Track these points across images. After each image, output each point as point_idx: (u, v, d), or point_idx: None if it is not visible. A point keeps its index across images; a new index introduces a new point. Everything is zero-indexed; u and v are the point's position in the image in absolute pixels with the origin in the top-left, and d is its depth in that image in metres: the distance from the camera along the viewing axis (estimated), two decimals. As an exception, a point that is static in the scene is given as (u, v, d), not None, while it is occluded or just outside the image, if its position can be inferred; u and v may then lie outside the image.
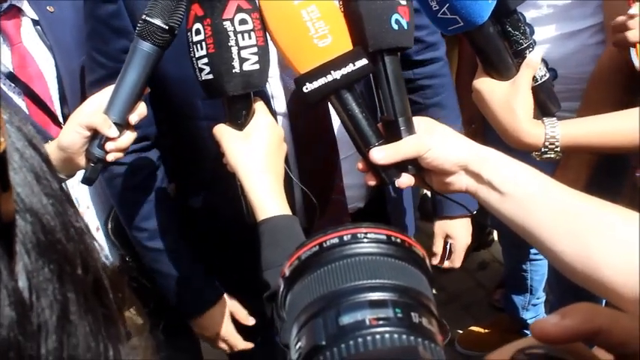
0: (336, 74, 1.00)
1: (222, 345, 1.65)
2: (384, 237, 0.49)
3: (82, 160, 1.16)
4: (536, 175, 0.96)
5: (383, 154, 1.03)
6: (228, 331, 1.61)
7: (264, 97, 1.27)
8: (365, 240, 0.49)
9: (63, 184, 1.37)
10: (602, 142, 1.19)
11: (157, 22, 1.08)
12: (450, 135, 1.04)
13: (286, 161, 1.16)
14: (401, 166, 1.06)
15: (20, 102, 1.45)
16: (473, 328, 2.81)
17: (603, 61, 1.66)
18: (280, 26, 1.01)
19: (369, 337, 0.41)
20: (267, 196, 1.05)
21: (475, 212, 1.48)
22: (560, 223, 0.88)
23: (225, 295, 1.61)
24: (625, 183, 1.85)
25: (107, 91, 1.16)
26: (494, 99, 1.20)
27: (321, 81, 1.01)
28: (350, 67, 1.01)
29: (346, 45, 1.02)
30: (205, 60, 1.04)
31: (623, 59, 1.56)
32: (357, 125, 1.05)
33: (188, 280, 1.57)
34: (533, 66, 1.18)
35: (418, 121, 1.07)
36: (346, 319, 0.43)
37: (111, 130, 1.13)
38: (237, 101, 1.09)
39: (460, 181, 1.02)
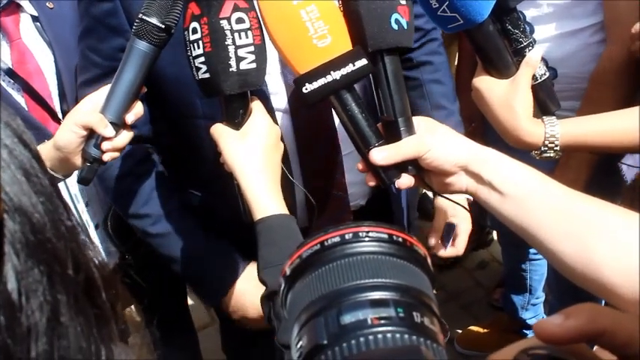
0: (336, 74, 1.00)
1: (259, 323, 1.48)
2: (385, 236, 0.49)
3: (78, 160, 1.16)
4: (537, 176, 0.95)
5: (383, 154, 1.03)
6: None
7: (265, 95, 1.27)
8: (366, 239, 0.49)
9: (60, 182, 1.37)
10: (602, 141, 1.19)
11: (154, 21, 1.08)
12: (450, 135, 1.04)
13: (286, 159, 1.15)
14: (401, 167, 1.05)
15: (19, 98, 1.45)
16: (472, 327, 2.81)
17: (604, 60, 1.66)
18: (279, 26, 1.01)
19: (370, 337, 0.41)
20: (264, 195, 1.05)
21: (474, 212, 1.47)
22: (560, 224, 0.88)
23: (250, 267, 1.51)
24: (624, 184, 1.85)
25: (103, 91, 1.16)
26: (493, 97, 1.20)
27: (321, 81, 1.00)
28: (350, 68, 1.00)
29: (346, 45, 1.02)
30: (202, 59, 1.03)
31: (625, 59, 1.56)
32: (356, 126, 1.05)
33: (202, 259, 1.50)
34: (532, 64, 1.18)
35: (418, 121, 1.07)
36: (348, 318, 0.43)
37: (107, 130, 1.12)
38: (234, 100, 1.09)
39: (460, 182, 1.02)
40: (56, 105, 1.52)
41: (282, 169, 1.13)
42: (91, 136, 1.14)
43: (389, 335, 0.41)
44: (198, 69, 1.04)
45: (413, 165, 1.05)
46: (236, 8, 1.01)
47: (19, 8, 1.46)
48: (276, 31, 1.01)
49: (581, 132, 1.19)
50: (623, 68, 1.59)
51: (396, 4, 1.02)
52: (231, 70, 1.03)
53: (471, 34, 1.15)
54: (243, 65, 1.03)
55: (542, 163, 1.09)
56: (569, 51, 1.72)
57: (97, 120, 1.12)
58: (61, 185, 1.46)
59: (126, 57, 1.12)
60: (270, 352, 1.03)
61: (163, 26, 1.08)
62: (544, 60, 1.23)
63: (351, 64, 1.00)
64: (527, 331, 2.68)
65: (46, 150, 1.16)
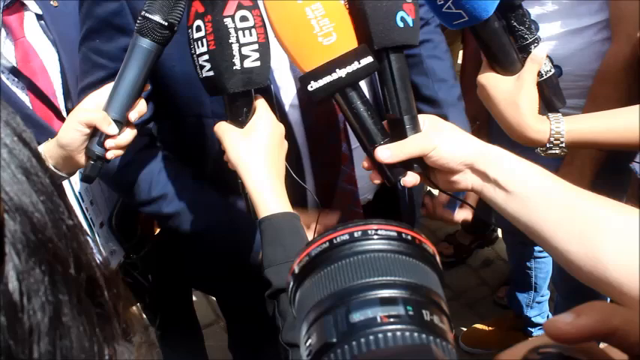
0: (341, 72, 1.00)
1: None
2: (394, 233, 0.48)
3: (81, 158, 1.16)
4: (543, 174, 0.95)
5: (388, 152, 1.03)
6: None
7: (274, 89, 1.26)
8: (375, 237, 0.48)
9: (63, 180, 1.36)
10: (607, 138, 1.19)
11: (156, 18, 1.07)
12: (455, 133, 1.03)
13: (297, 153, 1.14)
14: (406, 165, 1.05)
15: (24, 97, 1.45)
16: (477, 325, 2.81)
17: (609, 58, 1.65)
18: (284, 24, 1.01)
19: (380, 335, 0.41)
20: (269, 193, 1.05)
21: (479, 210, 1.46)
22: (566, 222, 0.88)
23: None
24: (631, 180, 1.85)
25: (106, 89, 1.15)
26: (498, 94, 1.19)
27: (326, 79, 1.00)
28: (355, 65, 1.00)
29: (351, 43, 1.02)
30: (206, 57, 1.03)
31: (630, 57, 1.56)
32: (362, 123, 1.05)
33: (229, 227, 1.42)
34: (538, 61, 1.18)
35: (423, 119, 1.07)
36: (357, 317, 0.43)
37: (110, 128, 1.12)
38: (238, 98, 1.09)
39: (466, 180, 1.02)
40: (60, 103, 1.52)
41: (287, 167, 1.13)
42: (95, 134, 1.14)
43: (398, 334, 0.41)
44: (201, 67, 1.04)
45: (418, 163, 1.05)
46: (240, 6, 1.01)
47: (23, 6, 1.46)
48: (281, 29, 1.01)
49: (587, 129, 1.19)
50: (628, 66, 1.59)
51: (402, 2, 1.02)
52: (235, 68, 1.03)
53: (476, 30, 1.15)
54: (247, 63, 1.03)
55: (547, 161, 1.09)
56: (574, 49, 1.72)
57: (100, 118, 1.12)
58: (65, 184, 1.46)
59: (129, 55, 1.12)
60: (276, 351, 1.03)
61: (166, 23, 1.08)
62: (549, 57, 1.23)
63: (356, 62, 1.00)
64: (532, 329, 2.68)
65: (49, 148, 1.16)
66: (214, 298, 2.43)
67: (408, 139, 1.04)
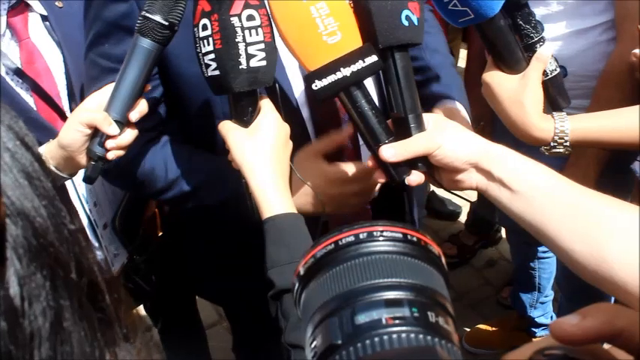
0: (346, 71, 1.00)
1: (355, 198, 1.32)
2: (400, 235, 0.48)
3: (83, 159, 1.16)
4: (548, 173, 0.95)
5: (393, 151, 1.03)
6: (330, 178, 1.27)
7: (284, 86, 1.26)
8: (381, 238, 0.48)
9: (69, 181, 1.36)
10: (612, 137, 1.18)
11: (157, 18, 1.07)
12: (460, 132, 1.03)
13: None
14: (411, 164, 1.05)
15: (28, 98, 1.45)
16: (480, 326, 2.81)
17: (613, 59, 1.65)
18: (289, 23, 1.01)
19: (385, 337, 0.41)
20: (273, 193, 1.05)
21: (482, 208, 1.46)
22: (571, 221, 0.88)
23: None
24: (636, 180, 1.84)
25: (107, 89, 1.15)
26: (503, 92, 1.19)
27: (331, 78, 1.00)
28: (360, 64, 1.00)
29: (356, 41, 1.02)
30: (212, 56, 1.03)
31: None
32: (366, 122, 1.05)
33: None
34: (543, 60, 1.18)
35: (428, 118, 1.06)
36: (362, 318, 0.43)
37: (111, 128, 1.12)
38: (244, 98, 1.08)
39: (470, 179, 1.02)
40: (65, 104, 1.51)
41: (291, 167, 1.13)
42: (96, 134, 1.14)
43: (403, 335, 0.41)
44: (207, 66, 1.04)
45: (423, 162, 1.05)
46: (247, 5, 1.01)
47: (27, 7, 1.45)
48: (286, 27, 1.01)
49: (591, 128, 1.19)
50: (632, 67, 1.58)
51: (407, 0, 1.02)
52: (241, 67, 1.03)
53: (481, 28, 1.15)
54: (254, 63, 1.03)
55: (551, 161, 1.09)
56: (579, 49, 1.72)
57: (101, 118, 1.11)
58: (68, 185, 1.46)
59: (129, 55, 1.12)
60: (280, 352, 1.03)
61: (167, 23, 1.08)
62: (554, 56, 1.22)
63: (361, 61, 1.00)
64: (535, 330, 2.67)
65: (50, 149, 1.16)
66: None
67: (412, 137, 1.04)
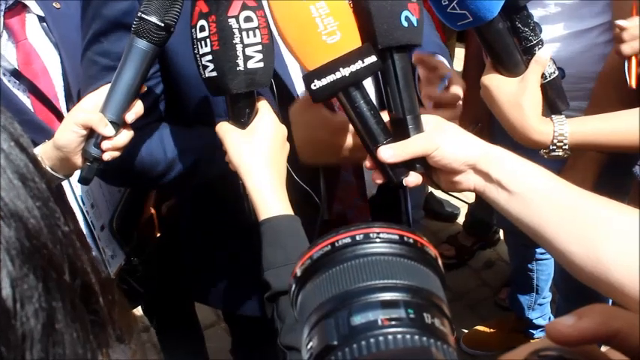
0: (345, 71, 1.00)
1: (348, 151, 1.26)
2: (396, 237, 0.48)
3: (78, 160, 1.16)
4: (546, 175, 0.95)
5: (391, 152, 1.03)
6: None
7: (288, 83, 1.25)
8: (377, 240, 0.48)
9: (66, 183, 1.35)
10: (610, 140, 1.19)
11: (153, 19, 1.07)
12: (458, 133, 1.03)
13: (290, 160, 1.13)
14: (409, 165, 1.05)
15: (25, 99, 1.44)
16: (478, 327, 2.81)
17: (611, 60, 1.65)
18: (289, 22, 1.00)
19: (381, 338, 0.41)
20: (270, 195, 1.05)
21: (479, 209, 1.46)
22: (568, 223, 0.88)
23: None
24: (633, 182, 1.85)
25: (103, 90, 1.15)
26: (502, 96, 1.19)
27: (330, 78, 1.00)
28: (359, 65, 1.00)
29: (355, 42, 1.02)
30: (209, 57, 1.03)
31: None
32: (364, 123, 1.05)
33: None
34: (542, 63, 1.18)
35: (426, 119, 1.06)
36: (358, 320, 0.43)
37: (107, 129, 1.12)
38: (241, 99, 1.08)
39: (468, 180, 1.02)
40: (62, 106, 1.51)
41: (288, 169, 1.13)
42: (91, 135, 1.14)
43: (399, 336, 0.41)
44: (205, 67, 1.04)
45: (421, 163, 1.05)
46: (244, 7, 1.01)
47: (25, 8, 1.45)
48: (285, 26, 1.01)
49: (591, 131, 1.19)
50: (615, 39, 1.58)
51: (407, 1, 1.02)
52: (238, 69, 1.03)
53: (480, 31, 1.15)
54: (251, 64, 1.03)
55: (549, 163, 1.09)
56: (577, 51, 1.72)
57: (96, 119, 1.11)
58: (65, 187, 1.46)
59: (125, 56, 1.11)
60: (272, 354, 1.03)
61: (163, 24, 1.08)
62: (553, 59, 1.23)
63: (360, 61, 1.00)
64: (533, 331, 2.67)
65: (46, 150, 1.16)
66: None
67: (410, 138, 1.04)
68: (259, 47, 1.03)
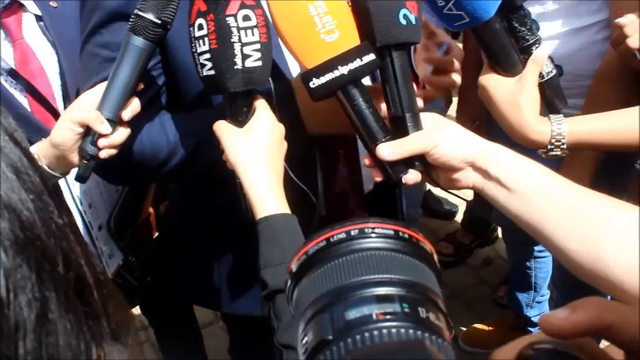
0: (343, 69, 1.00)
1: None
2: (391, 232, 0.49)
3: (75, 157, 1.15)
4: (545, 172, 0.95)
5: (390, 150, 1.03)
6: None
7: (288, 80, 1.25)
8: (372, 235, 0.49)
9: (63, 181, 1.35)
10: (609, 139, 1.19)
11: (150, 16, 1.07)
12: (457, 131, 1.04)
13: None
14: (408, 162, 1.05)
15: (22, 99, 1.44)
16: (476, 325, 2.81)
17: (609, 58, 1.65)
18: (287, 21, 1.01)
19: (375, 332, 0.41)
20: (267, 193, 1.05)
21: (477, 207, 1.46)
22: (567, 221, 0.88)
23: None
24: (631, 180, 1.85)
25: (100, 88, 1.15)
26: (500, 95, 1.20)
27: (328, 76, 1.00)
28: (357, 63, 1.00)
29: (354, 40, 1.02)
30: (207, 55, 1.03)
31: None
32: (363, 121, 1.05)
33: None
34: (539, 62, 1.18)
35: (425, 117, 1.07)
36: (353, 314, 0.43)
37: (103, 127, 1.12)
38: (239, 98, 1.08)
39: (467, 178, 1.02)
40: (59, 105, 1.50)
41: (285, 167, 1.13)
42: (88, 133, 1.13)
43: (394, 330, 0.41)
44: (203, 66, 1.04)
45: (420, 160, 1.05)
46: (243, 5, 1.01)
47: (21, 8, 1.45)
48: (284, 25, 1.01)
49: (589, 130, 1.19)
50: (627, 67, 1.59)
51: None
52: (236, 67, 1.03)
53: (477, 31, 1.15)
54: (249, 63, 1.03)
55: (547, 162, 1.09)
56: (575, 48, 1.72)
57: (93, 117, 1.11)
58: (63, 186, 1.45)
59: (122, 53, 1.11)
60: (268, 353, 1.03)
61: (159, 22, 1.08)
62: (550, 57, 1.23)
63: (358, 59, 1.00)
64: (532, 329, 2.67)
65: (42, 148, 1.16)
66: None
67: (409, 136, 1.04)
68: (257, 46, 1.03)
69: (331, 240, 0.49)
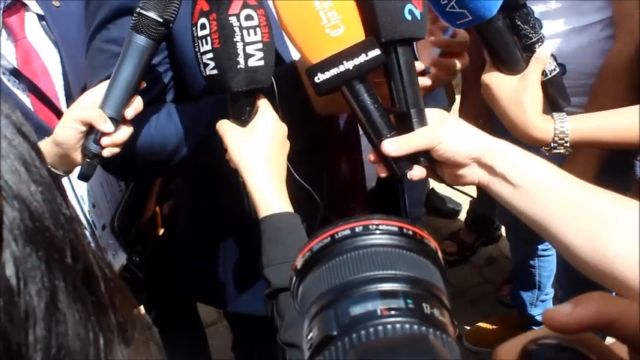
0: (348, 65, 1.00)
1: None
2: (395, 229, 0.49)
3: (78, 156, 1.16)
4: (550, 168, 0.96)
5: (395, 145, 1.03)
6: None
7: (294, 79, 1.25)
8: (377, 231, 0.49)
9: (67, 180, 1.35)
10: (612, 137, 1.19)
11: (152, 14, 1.07)
12: (462, 127, 1.04)
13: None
14: (413, 158, 1.05)
15: (25, 98, 1.44)
16: (480, 324, 2.81)
17: (611, 57, 1.65)
18: (292, 16, 1.00)
19: (379, 327, 0.41)
20: (270, 193, 1.05)
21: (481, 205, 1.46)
22: (572, 217, 0.88)
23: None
24: (634, 178, 1.85)
25: (103, 86, 1.15)
26: (503, 93, 1.20)
27: (333, 71, 1.00)
28: (362, 58, 1.00)
29: (359, 35, 1.02)
30: (210, 55, 1.03)
31: (633, 55, 1.55)
32: (368, 116, 1.05)
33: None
34: (542, 60, 1.18)
35: (430, 112, 1.07)
36: (357, 310, 0.43)
37: (106, 125, 1.12)
38: (242, 97, 1.09)
39: (472, 174, 1.02)
40: (62, 105, 1.50)
41: (288, 167, 1.13)
42: (91, 131, 1.14)
43: (398, 326, 0.41)
44: (205, 65, 1.04)
45: (425, 156, 1.05)
46: (245, 5, 1.01)
47: (24, 7, 1.44)
48: (289, 20, 1.01)
49: (592, 128, 1.19)
50: (631, 64, 1.59)
51: None
52: (239, 67, 1.03)
53: (480, 29, 1.15)
54: (252, 62, 1.03)
55: (550, 159, 1.09)
56: (578, 47, 1.72)
57: (96, 115, 1.11)
58: (67, 186, 1.46)
59: (124, 51, 1.12)
60: (272, 352, 1.03)
61: (162, 20, 1.08)
62: (553, 56, 1.23)
63: (363, 55, 1.00)
64: (536, 328, 2.67)
65: (45, 146, 1.15)
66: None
67: (414, 132, 1.04)
68: (260, 45, 1.03)
69: (336, 237, 0.49)
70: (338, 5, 0.99)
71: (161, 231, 1.91)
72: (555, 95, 1.24)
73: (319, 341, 0.43)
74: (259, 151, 1.07)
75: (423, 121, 1.05)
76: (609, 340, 0.50)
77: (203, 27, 1.02)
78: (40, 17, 1.47)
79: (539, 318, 2.65)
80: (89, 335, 0.47)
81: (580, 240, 0.86)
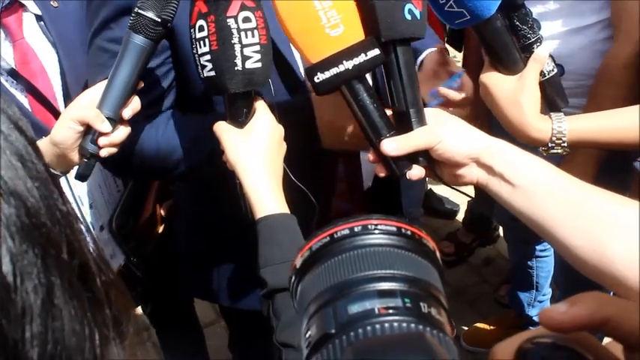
0: (348, 64, 1.00)
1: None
2: (394, 229, 0.49)
3: (75, 156, 1.16)
4: (549, 168, 0.96)
5: (394, 145, 1.03)
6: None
7: (299, 77, 1.25)
8: (376, 231, 0.49)
9: (64, 181, 1.35)
10: (610, 137, 1.19)
11: (150, 14, 1.07)
12: (461, 126, 1.04)
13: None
14: (412, 158, 1.05)
15: (22, 99, 1.44)
16: (478, 324, 2.81)
17: (610, 57, 1.65)
18: (292, 15, 1.00)
19: (377, 325, 0.41)
20: (266, 194, 1.06)
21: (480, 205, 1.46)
22: (571, 217, 0.89)
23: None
24: (633, 178, 1.85)
25: (100, 86, 1.15)
26: (501, 93, 1.20)
27: (333, 71, 1.00)
28: (362, 58, 1.00)
29: (358, 35, 1.02)
30: (208, 57, 1.04)
31: (631, 56, 1.56)
32: (368, 116, 1.05)
33: None
34: (540, 60, 1.18)
35: (429, 112, 1.07)
36: (355, 308, 0.43)
37: (104, 125, 1.12)
38: (239, 99, 1.09)
39: (471, 173, 1.02)
40: (60, 105, 1.50)
41: (285, 168, 1.13)
42: (88, 131, 1.14)
43: (395, 324, 0.41)
44: (203, 67, 1.05)
45: (424, 156, 1.05)
46: (243, 7, 1.02)
47: (22, 7, 1.44)
48: (288, 20, 1.01)
49: (589, 128, 1.19)
50: (629, 65, 1.59)
51: None
52: (236, 68, 1.03)
53: (478, 29, 1.15)
54: (249, 64, 1.03)
55: (548, 159, 1.09)
56: (576, 48, 1.72)
57: (93, 115, 1.11)
58: (64, 186, 1.45)
59: (122, 51, 1.12)
60: (268, 352, 1.03)
61: (159, 20, 1.08)
62: (551, 56, 1.23)
63: (363, 54, 1.00)
64: (533, 329, 2.67)
65: (43, 146, 1.15)
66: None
67: (413, 132, 1.04)
68: (257, 47, 1.03)
69: (335, 236, 0.49)
70: (338, 5, 0.99)
71: (160, 228, 1.91)
72: (553, 96, 1.24)
73: (317, 339, 0.43)
74: (256, 152, 1.08)
75: (422, 121, 1.05)
76: (607, 340, 0.50)
77: (201, 29, 1.03)
78: (38, 17, 1.47)
79: (536, 318, 2.65)
80: (85, 331, 0.47)
81: (579, 240, 0.86)
